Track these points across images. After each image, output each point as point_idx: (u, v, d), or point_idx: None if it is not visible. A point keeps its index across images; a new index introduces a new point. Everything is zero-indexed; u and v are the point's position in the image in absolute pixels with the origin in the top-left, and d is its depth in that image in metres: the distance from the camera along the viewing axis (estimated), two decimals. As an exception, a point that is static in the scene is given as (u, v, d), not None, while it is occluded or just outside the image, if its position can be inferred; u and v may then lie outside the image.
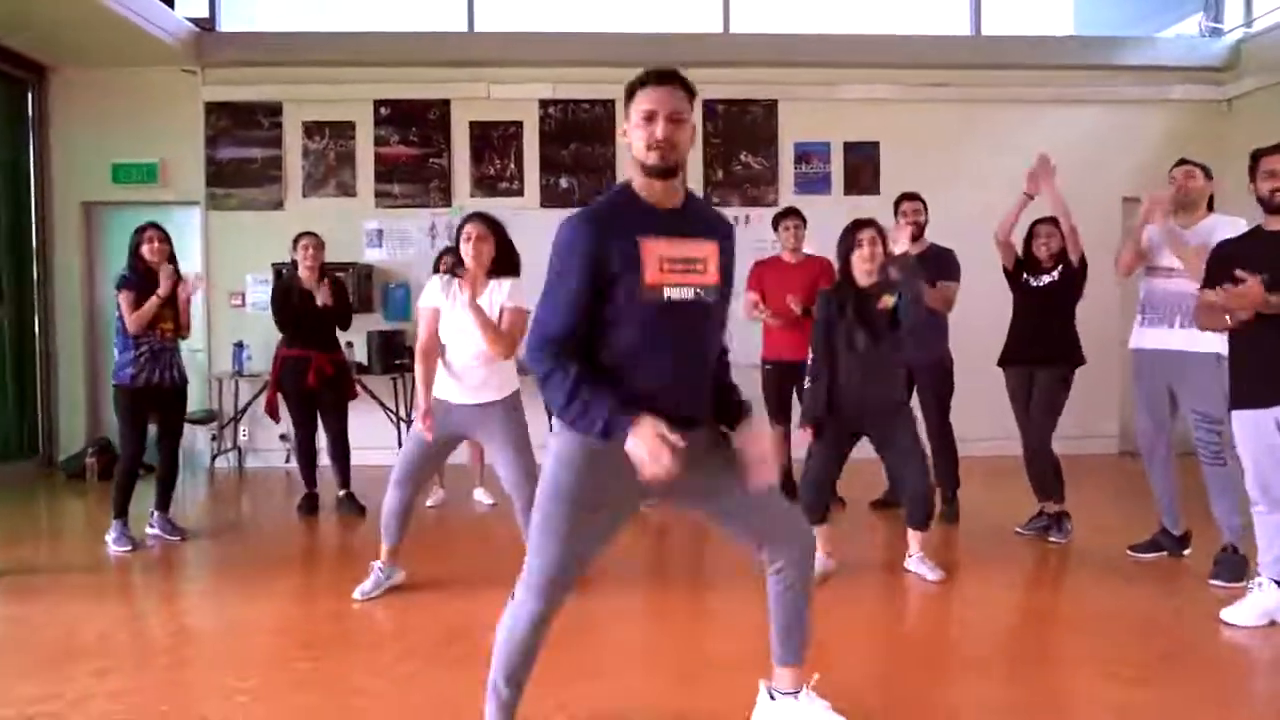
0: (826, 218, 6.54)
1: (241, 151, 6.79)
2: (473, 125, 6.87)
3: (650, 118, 1.93)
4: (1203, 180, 3.80)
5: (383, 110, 6.84)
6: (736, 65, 6.91)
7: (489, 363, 3.53)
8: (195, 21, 6.67)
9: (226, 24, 6.95)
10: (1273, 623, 3.10)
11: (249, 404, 6.68)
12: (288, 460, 6.74)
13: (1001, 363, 4.56)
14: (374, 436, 6.34)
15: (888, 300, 3.68)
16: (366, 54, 6.76)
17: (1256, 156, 3.12)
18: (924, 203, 4.95)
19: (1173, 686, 2.67)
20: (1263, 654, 2.95)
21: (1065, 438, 4.63)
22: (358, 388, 5.62)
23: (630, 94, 1.99)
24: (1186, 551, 3.98)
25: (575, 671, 2.73)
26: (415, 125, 6.84)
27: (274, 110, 6.81)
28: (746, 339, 5.28)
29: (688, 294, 1.97)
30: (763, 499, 2.12)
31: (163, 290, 4.43)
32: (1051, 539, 4.34)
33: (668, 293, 1.94)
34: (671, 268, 1.95)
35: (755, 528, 2.16)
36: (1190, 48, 7.17)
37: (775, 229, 5.26)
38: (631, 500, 2.09)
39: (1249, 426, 3.10)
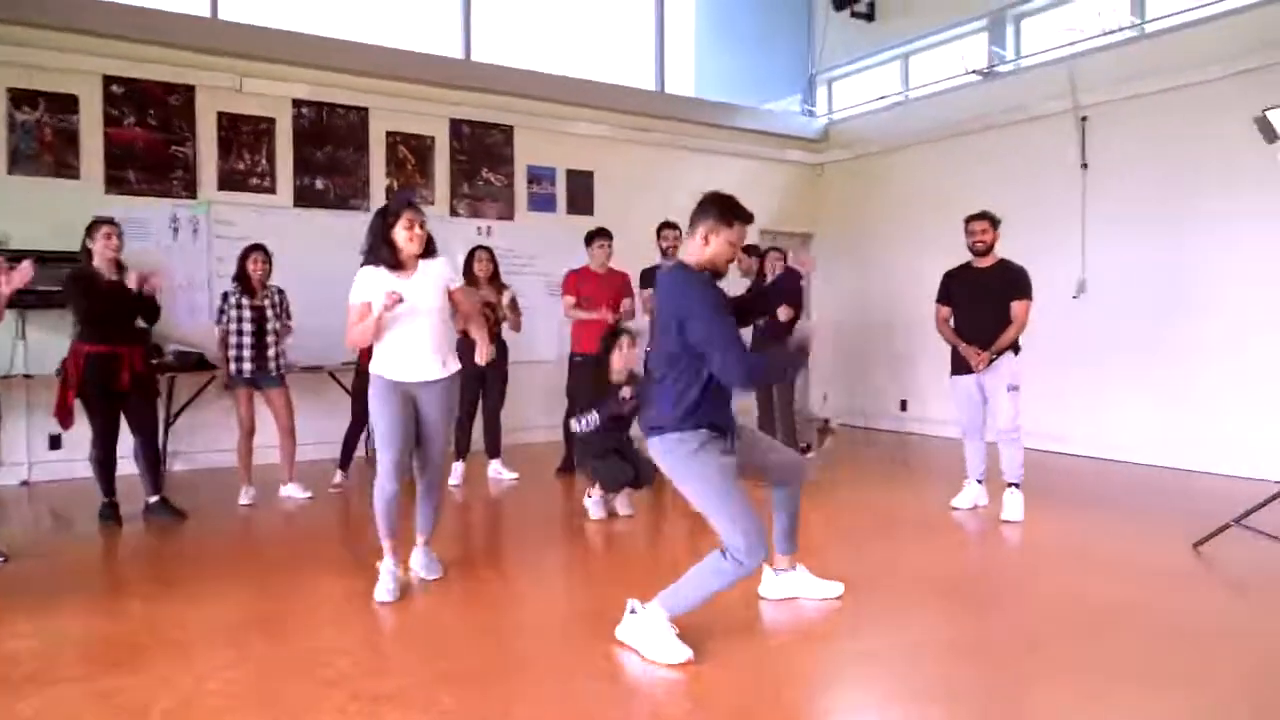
0: (553, 233, 7.83)
1: (-79, 114, 5.76)
2: (221, 116, 6.66)
3: (733, 245, 3.02)
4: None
5: (115, 88, 6.29)
6: (477, 90, 7.67)
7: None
8: None
9: (-113, -44, 5.78)
10: (976, 506, 5.14)
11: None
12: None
13: None
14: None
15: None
16: (93, 22, 6.16)
17: (965, 220, 5.00)
18: (680, 229, 6.37)
19: (920, 541, 4.45)
20: (969, 522, 4.96)
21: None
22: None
23: (728, 222, 2.97)
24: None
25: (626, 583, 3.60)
26: (154, 108, 6.42)
27: (-32, 71, 5.88)
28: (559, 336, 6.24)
29: None
30: (780, 458, 3.32)
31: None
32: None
33: None
34: None
35: (777, 474, 3.32)
36: (801, 122, 9.68)
37: (589, 245, 6.22)
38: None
39: (958, 386, 5.06)
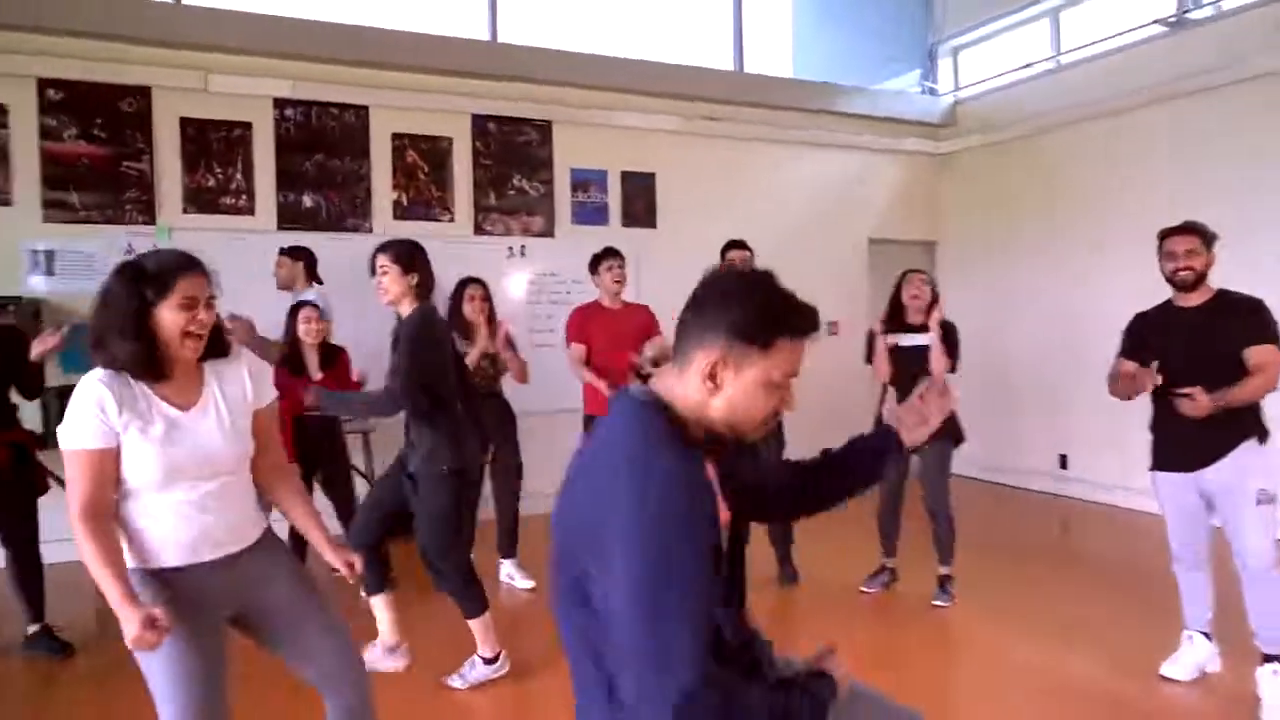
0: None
1: None
2: (185, 123, 5.45)
3: (776, 384, 1.40)
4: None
5: (52, 93, 5.16)
6: (506, 79, 6.23)
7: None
8: None
9: None
10: (1203, 673, 3.30)
11: None
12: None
13: None
14: (57, 527, 4.74)
15: None
16: (21, 14, 5.03)
17: (1161, 236, 3.22)
18: (752, 251, 4.73)
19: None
20: (1205, 715, 3.13)
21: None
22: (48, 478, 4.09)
23: (767, 340, 1.39)
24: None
25: None
26: (102, 116, 5.26)
27: (-127, 79, 4.86)
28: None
29: None
30: None
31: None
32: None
33: None
34: None
35: None
36: (920, 103, 7.80)
37: (594, 271, 4.73)
38: None
39: (1165, 488, 3.26)
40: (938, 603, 4.20)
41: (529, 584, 4.64)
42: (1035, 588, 4.53)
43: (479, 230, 6.22)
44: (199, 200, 5.50)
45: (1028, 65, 6.98)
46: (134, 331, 1.91)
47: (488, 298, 4.59)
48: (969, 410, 4.38)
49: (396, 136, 5.97)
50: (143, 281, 1.94)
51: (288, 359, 4.39)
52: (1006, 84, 7.23)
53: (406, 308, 3.18)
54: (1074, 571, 4.85)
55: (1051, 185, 6.76)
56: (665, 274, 5.66)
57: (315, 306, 4.48)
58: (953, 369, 4.16)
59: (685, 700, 1.20)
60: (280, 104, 5.67)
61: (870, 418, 4.42)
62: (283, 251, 4.97)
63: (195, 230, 5.45)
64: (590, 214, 6.55)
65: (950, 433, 4.23)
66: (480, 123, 6.20)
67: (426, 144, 6.06)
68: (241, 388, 2.10)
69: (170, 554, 1.95)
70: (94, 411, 1.89)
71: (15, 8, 5.00)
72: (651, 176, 6.72)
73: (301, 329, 4.41)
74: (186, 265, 1.99)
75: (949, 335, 4.17)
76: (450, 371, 3.28)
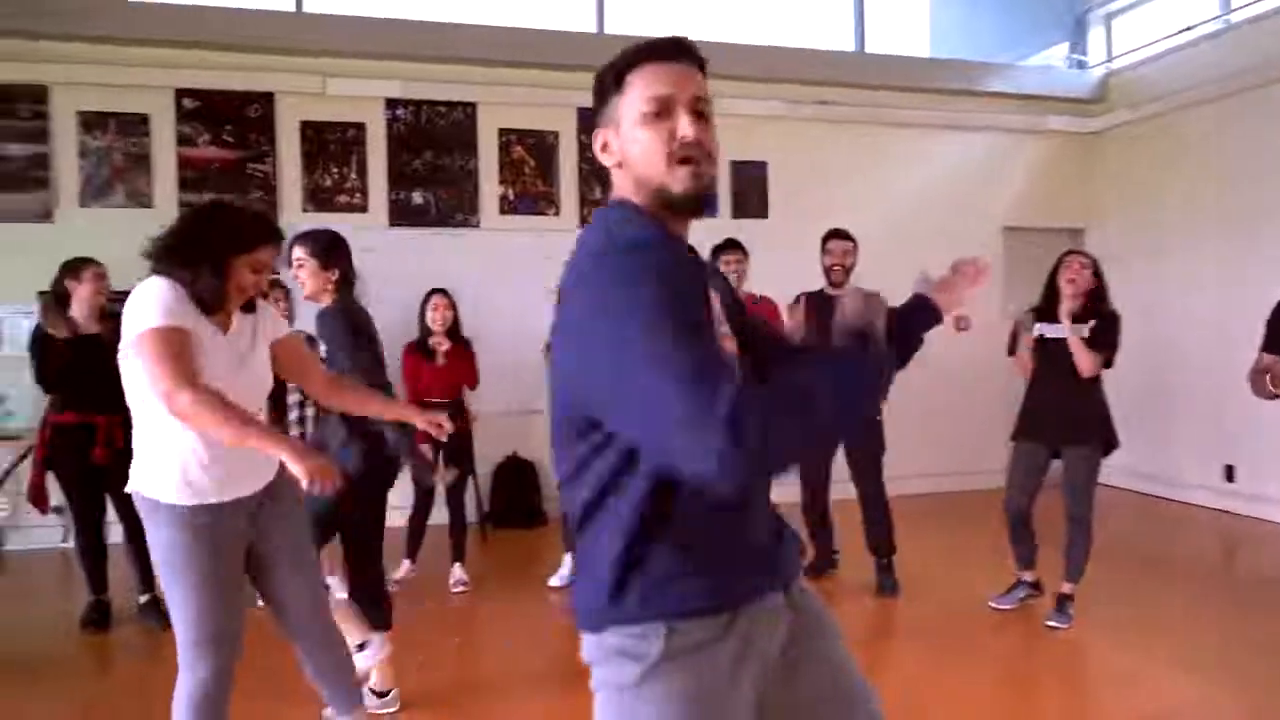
0: (716, 243, 5.88)
1: (-8, 146, 5.31)
2: (304, 126, 5.72)
3: (665, 110, 1.27)
4: None
5: (187, 102, 5.54)
6: (613, 70, 6.17)
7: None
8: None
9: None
10: None
11: (9, 470, 5.20)
12: (65, 539, 5.34)
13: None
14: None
15: None
16: (162, 30, 5.42)
17: None
18: (854, 242, 4.44)
19: None
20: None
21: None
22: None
23: (618, 80, 1.31)
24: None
25: None
26: (230, 122, 5.60)
27: (37, 95, 5.35)
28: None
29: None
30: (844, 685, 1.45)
31: None
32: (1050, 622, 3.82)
33: None
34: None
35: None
36: (1067, 78, 7.16)
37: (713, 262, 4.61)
38: None
39: None
40: (1052, 623, 3.76)
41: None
42: (1186, 615, 3.99)
43: (585, 223, 6.16)
44: (317, 199, 5.76)
45: (1190, 28, 6.23)
46: (214, 268, 2.09)
47: None
48: (1119, 412, 3.92)
49: (503, 132, 6.03)
50: (241, 234, 2.15)
51: (418, 345, 4.62)
52: (1165, 51, 6.50)
53: (327, 302, 2.98)
54: (1234, 599, 4.25)
55: (1215, 162, 6.01)
56: (777, 266, 5.40)
57: (445, 294, 4.64)
58: (1109, 363, 3.71)
59: (729, 409, 1.03)
60: (392, 104, 5.85)
61: (1010, 416, 4.05)
62: None
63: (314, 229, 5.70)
64: (698, 205, 6.39)
65: (1101, 437, 3.78)
66: (587, 116, 6.14)
67: (532, 139, 6.09)
68: (261, 325, 2.30)
69: (213, 487, 2.11)
70: (170, 298, 2.04)
71: (156, 24, 5.40)
72: (763, 165, 6.48)
73: (430, 316, 4.58)
74: (271, 237, 2.23)
75: (1109, 327, 3.67)
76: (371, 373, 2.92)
